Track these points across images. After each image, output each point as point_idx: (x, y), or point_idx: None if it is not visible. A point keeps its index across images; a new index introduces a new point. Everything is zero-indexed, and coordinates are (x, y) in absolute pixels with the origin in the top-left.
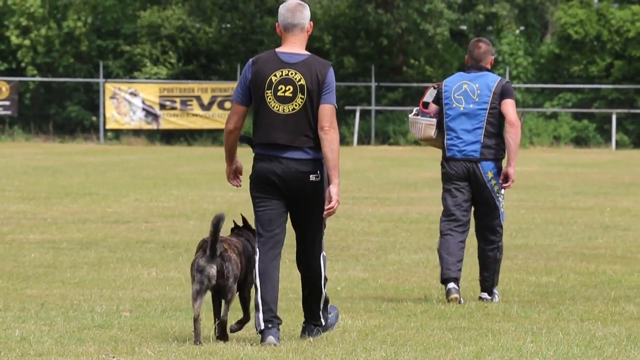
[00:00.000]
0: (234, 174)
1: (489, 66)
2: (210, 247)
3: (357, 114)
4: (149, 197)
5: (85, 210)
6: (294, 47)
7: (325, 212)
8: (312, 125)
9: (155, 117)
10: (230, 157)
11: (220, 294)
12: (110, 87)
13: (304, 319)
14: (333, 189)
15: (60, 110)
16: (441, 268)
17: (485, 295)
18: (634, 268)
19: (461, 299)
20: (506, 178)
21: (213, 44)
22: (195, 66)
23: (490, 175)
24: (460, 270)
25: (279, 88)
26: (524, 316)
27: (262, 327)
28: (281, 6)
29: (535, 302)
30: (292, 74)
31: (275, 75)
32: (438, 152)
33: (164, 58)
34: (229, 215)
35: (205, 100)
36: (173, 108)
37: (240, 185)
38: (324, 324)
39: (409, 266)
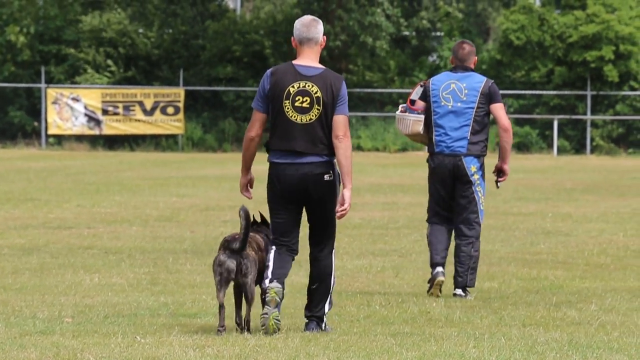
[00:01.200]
0: (247, 185)
1: (472, 66)
2: (242, 240)
3: None
4: (91, 203)
5: (27, 216)
6: (310, 60)
7: (338, 214)
8: (327, 133)
9: (98, 122)
10: (248, 165)
11: (240, 291)
12: (52, 92)
13: (307, 311)
14: (346, 193)
15: (2, 116)
16: (430, 253)
17: (459, 291)
18: (575, 273)
19: (440, 289)
20: (501, 172)
21: (154, 49)
22: (137, 71)
23: (473, 169)
24: (445, 257)
25: (297, 99)
26: (466, 321)
27: (269, 281)
28: (297, 21)
29: (477, 308)
30: (309, 86)
31: (293, 87)
32: (377, 158)
33: (106, 63)
34: (172, 221)
35: (148, 105)
36: (115, 113)
37: (251, 198)
38: (325, 312)
39: (351, 272)
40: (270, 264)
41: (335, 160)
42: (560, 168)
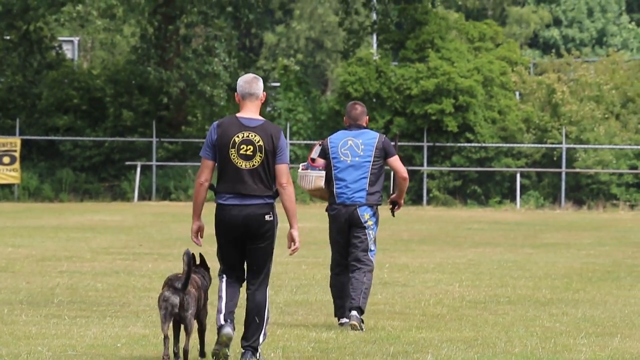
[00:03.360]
0: (198, 232)
1: (365, 124)
2: (184, 280)
3: (138, 169)
4: None
5: None
6: (251, 112)
7: (290, 252)
8: (269, 178)
9: None
10: (199, 210)
11: (181, 323)
12: None
13: (244, 341)
14: (295, 232)
15: None
16: (335, 308)
17: (354, 313)
18: (412, 324)
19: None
20: (396, 204)
21: None
22: None
23: (366, 216)
24: (346, 307)
25: (242, 147)
26: None
27: (222, 322)
28: (240, 79)
29: (315, 358)
30: (252, 135)
31: (237, 137)
32: (215, 208)
33: None
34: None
35: None
36: None
37: (200, 245)
38: (260, 342)
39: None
40: (223, 294)
41: (275, 203)
42: (397, 219)
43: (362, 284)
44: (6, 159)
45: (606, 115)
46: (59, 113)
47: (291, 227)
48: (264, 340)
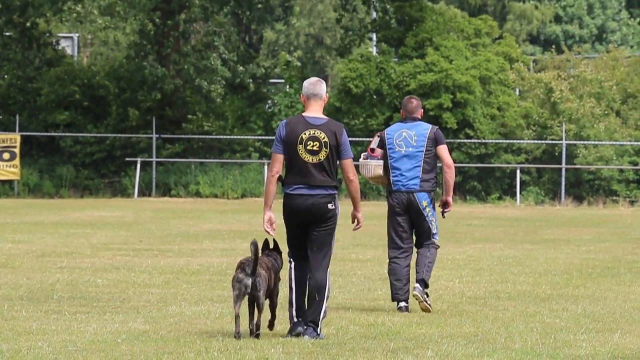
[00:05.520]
0: (270, 221)
1: (420, 117)
2: (252, 267)
3: (138, 165)
4: None
5: None
6: (316, 112)
7: (355, 229)
8: (332, 170)
9: None
10: (270, 201)
11: (253, 302)
12: None
13: (307, 320)
14: (358, 214)
15: None
16: (392, 292)
17: (417, 285)
18: (412, 319)
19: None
20: (446, 204)
21: None
22: None
23: (424, 203)
24: (407, 292)
25: (308, 143)
26: None
27: (295, 320)
28: (305, 81)
29: (315, 354)
30: (317, 132)
31: (305, 134)
32: (215, 205)
33: None
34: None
35: None
36: None
37: (272, 234)
38: (320, 319)
39: (190, 318)
40: (293, 285)
41: (337, 194)
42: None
43: (425, 257)
44: (6, 155)
45: (606, 112)
46: (60, 109)
47: (356, 210)
48: (324, 317)
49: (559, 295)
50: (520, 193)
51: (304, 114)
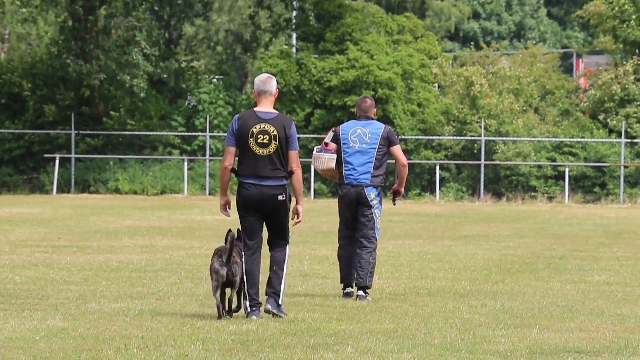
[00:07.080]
0: (226, 206)
1: (373, 116)
2: (227, 256)
3: (57, 162)
4: None
5: None
6: (266, 107)
7: (294, 224)
8: (282, 162)
9: None
10: (225, 189)
11: (230, 286)
12: None
13: (268, 288)
14: (300, 208)
15: None
16: (341, 276)
17: (361, 293)
18: (332, 316)
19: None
20: (397, 193)
21: None
22: None
23: (372, 196)
24: (353, 275)
25: (259, 137)
26: None
27: (249, 311)
28: (256, 78)
29: (235, 351)
30: (267, 127)
31: (255, 128)
32: (135, 201)
33: None
34: None
35: None
36: None
37: (229, 216)
38: (281, 290)
39: (109, 315)
40: (245, 278)
41: (287, 184)
42: (317, 211)
43: (368, 264)
44: None
45: (525, 108)
46: None
47: (297, 203)
48: (284, 289)
49: (478, 292)
50: (440, 189)
51: (255, 109)
